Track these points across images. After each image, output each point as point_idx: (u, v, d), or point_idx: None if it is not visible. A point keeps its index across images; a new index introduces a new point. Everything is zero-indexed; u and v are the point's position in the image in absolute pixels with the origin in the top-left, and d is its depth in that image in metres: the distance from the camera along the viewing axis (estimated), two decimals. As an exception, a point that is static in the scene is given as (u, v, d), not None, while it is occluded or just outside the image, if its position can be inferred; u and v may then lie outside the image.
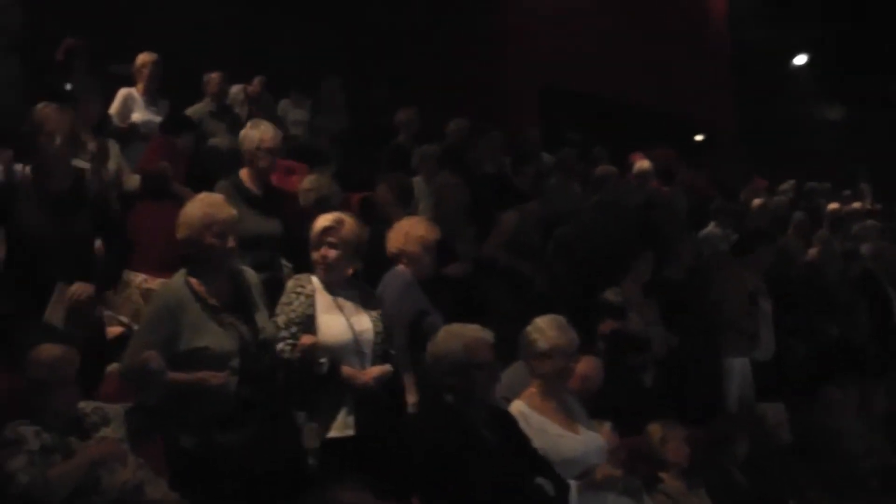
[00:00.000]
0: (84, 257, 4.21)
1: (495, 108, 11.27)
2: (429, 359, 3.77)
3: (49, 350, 3.48)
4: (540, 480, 3.64)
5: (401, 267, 4.49)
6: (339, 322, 3.85)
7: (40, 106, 4.28)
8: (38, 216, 4.10)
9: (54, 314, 4.01)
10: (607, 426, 4.39)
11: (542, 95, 12.44)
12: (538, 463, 3.75)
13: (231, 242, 3.56)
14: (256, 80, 8.49)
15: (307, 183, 5.51)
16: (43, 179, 4.20)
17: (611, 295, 5.88)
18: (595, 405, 4.53)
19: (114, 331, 4.61)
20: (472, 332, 3.77)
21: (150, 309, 3.68)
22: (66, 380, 3.45)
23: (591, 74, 12.87)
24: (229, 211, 3.61)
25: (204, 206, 3.59)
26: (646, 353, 5.76)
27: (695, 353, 6.13)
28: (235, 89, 8.31)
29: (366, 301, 4.00)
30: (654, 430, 4.76)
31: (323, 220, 3.98)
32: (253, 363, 3.53)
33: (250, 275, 3.76)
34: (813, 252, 8.21)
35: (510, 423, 3.84)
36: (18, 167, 4.48)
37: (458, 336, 3.76)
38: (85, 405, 3.58)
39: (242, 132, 5.23)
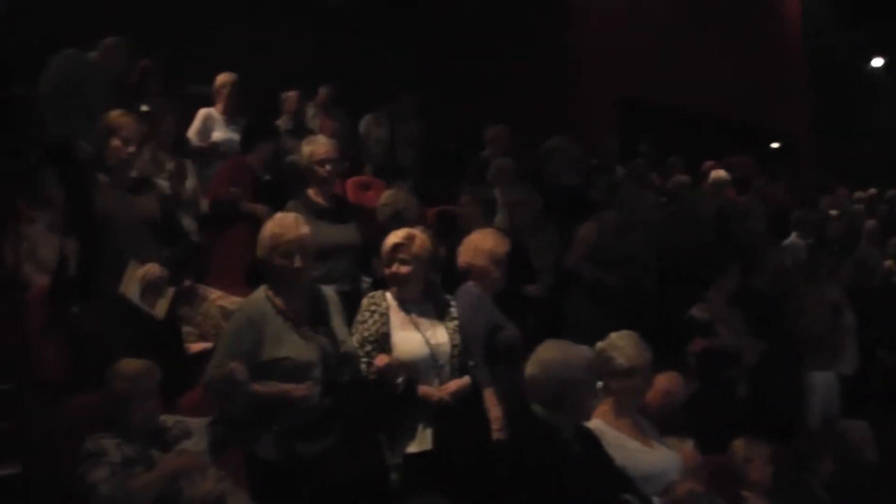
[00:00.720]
0: (152, 238, 4.35)
1: (572, 120, 11.17)
2: (527, 372, 3.70)
3: (131, 364, 3.53)
4: (626, 496, 3.58)
5: (471, 283, 4.43)
6: (414, 338, 3.84)
7: (115, 113, 4.37)
8: (108, 197, 4.26)
9: (129, 289, 4.13)
10: (690, 444, 4.28)
11: (618, 107, 12.33)
12: (622, 479, 3.68)
13: (298, 262, 3.58)
14: (322, 90, 8.57)
15: (384, 198, 5.51)
16: (111, 177, 4.35)
17: (697, 311, 5.77)
18: (681, 421, 4.45)
19: (196, 347, 4.66)
20: (572, 348, 3.72)
21: (232, 322, 3.73)
22: (147, 393, 3.49)
23: (667, 84, 12.71)
24: (298, 231, 3.62)
25: (274, 226, 3.64)
26: (738, 366, 5.63)
27: (779, 366, 5.99)
28: (309, 106, 8.40)
29: (441, 312, 3.98)
30: (739, 447, 4.63)
31: (393, 237, 3.98)
32: (334, 375, 3.55)
33: (329, 293, 3.79)
34: (889, 262, 7.98)
35: (593, 438, 3.78)
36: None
37: (557, 350, 3.70)
38: (167, 418, 3.62)
39: (298, 154, 5.23)
